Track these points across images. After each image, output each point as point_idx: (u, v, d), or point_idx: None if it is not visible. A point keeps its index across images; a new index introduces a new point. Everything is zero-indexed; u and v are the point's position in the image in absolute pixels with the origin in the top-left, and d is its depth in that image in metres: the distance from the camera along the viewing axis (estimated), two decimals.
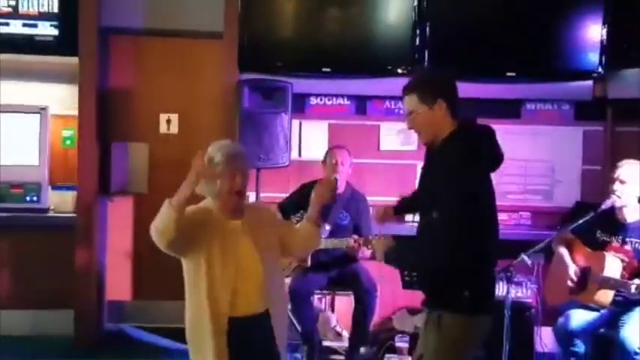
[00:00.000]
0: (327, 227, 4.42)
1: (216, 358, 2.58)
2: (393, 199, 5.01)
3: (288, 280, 4.61)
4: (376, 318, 4.54)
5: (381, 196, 4.97)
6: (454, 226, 2.39)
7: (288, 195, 4.64)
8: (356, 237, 4.25)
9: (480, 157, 2.51)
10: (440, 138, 2.54)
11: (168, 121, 5.06)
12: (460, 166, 2.44)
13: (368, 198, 4.60)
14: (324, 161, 4.55)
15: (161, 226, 2.47)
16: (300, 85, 4.68)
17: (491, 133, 2.58)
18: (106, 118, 4.93)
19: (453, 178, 2.42)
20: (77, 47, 4.67)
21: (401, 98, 2.62)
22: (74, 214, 4.76)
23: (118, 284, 5.05)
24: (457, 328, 2.52)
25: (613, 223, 3.84)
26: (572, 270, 3.88)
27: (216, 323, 2.59)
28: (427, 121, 2.53)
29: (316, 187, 2.88)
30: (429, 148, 2.63)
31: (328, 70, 4.71)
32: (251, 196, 4.93)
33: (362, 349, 4.40)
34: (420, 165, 4.80)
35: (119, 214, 5.04)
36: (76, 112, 4.77)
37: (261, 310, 2.67)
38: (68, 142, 5.05)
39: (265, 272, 2.66)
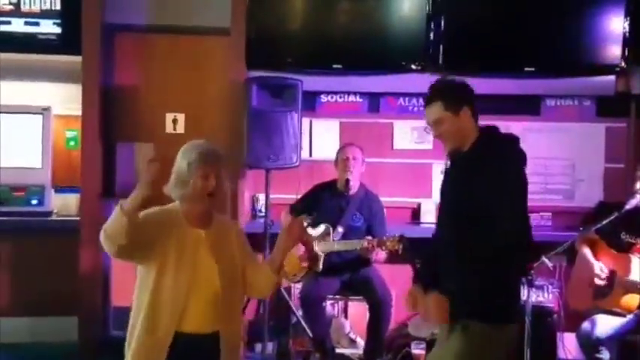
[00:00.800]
0: (340, 229, 4.43)
1: None
2: (408, 200, 5.11)
3: (299, 285, 4.63)
4: (391, 324, 4.51)
5: (395, 197, 4.97)
6: (517, 232, 2.51)
7: (300, 197, 4.64)
8: (370, 238, 4.22)
9: (518, 155, 2.63)
10: (466, 144, 2.64)
11: (175, 121, 5.07)
12: (509, 166, 2.56)
13: (382, 199, 4.58)
14: (336, 161, 4.53)
15: (111, 231, 2.38)
16: (310, 82, 4.67)
17: (515, 138, 2.70)
18: (111, 118, 4.95)
19: (508, 181, 2.52)
20: (80, 45, 4.70)
21: (424, 107, 2.72)
22: (78, 218, 4.78)
23: (124, 290, 4.99)
24: (485, 338, 2.53)
25: (638, 224, 3.83)
26: (598, 267, 3.86)
27: (159, 337, 2.48)
28: (454, 129, 2.63)
29: (283, 231, 2.74)
30: (453, 155, 2.71)
31: (339, 66, 4.72)
32: (260, 198, 4.96)
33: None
34: (436, 164, 4.91)
35: None
36: (79, 113, 4.79)
37: (210, 330, 2.54)
38: (72, 143, 5.07)
39: (222, 289, 2.55)
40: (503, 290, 2.55)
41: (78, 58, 4.71)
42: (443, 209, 2.80)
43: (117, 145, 4.97)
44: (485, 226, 2.47)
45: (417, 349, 4.39)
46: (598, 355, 3.80)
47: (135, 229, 2.37)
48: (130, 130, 5.01)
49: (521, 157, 2.64)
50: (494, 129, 2.71)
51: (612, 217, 3.71)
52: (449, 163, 2.76)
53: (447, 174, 2.78)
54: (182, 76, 5.03)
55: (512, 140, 2.69)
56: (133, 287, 5.09)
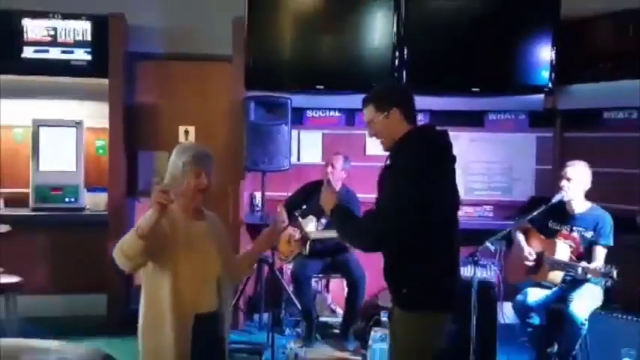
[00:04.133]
0: (324, 221, 4.44)
1: (178, 357, 2.30)
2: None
3: (290, 266, 4.68)
4: (365, 298, 4.57)
5: (368, 194, 4.99)
6: (392, 213, 2.20)
7: (292, 193, 4.66)
8: None
9: (430, 154, 2.31)
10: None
11: (186, 132, 5.07)
12: (410, 161, 2.27)
13: (358, 195, 4.57)
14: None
15: (128, 252, 2.19)
16: (298, 100, 4.70)
17: (445, 135, 2.41)
18: (133, 130, 4.94)
19: (403, 173, 2.25)
20: (107, 70, 4.69)
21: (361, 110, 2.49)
22: (106, 213, 4.76)
23: None
24: (400, 323, 2.34)
25: (562, 214, 3.86)
26: (527, 251, 3.90)
27: (180, 322, 2.31)
28: (384, 128, 2.38)
29: (264, 234, 2.63)
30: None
31: (322, 87, 4.71)
32: (257, 196, 4.98)
33: (353, 326, 4.43)
34: None
35: (144, 212, 5.03)
36: (107, 125, 4.78)
37: (215, 309, 2.42)
38: (100, 150, 5.04)
39: (222, 274, 2.44)
40: (408, 278, 2.29)
41: (105, 81, 4.70)
42: None
43: (138, 153, 4.98)
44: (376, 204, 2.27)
45: (385, 317, 4.45)
46: (529, 321, 3.86)
47: (151, 248, 2.19)
48: (149, 140, 5.02)
49: (433, 151, 2.32)
50: (421, 127, 2.45)
51: (541, 209, 3.75)
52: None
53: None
54: (192, 96, 5.04)
55: (431, 135, 2.39)
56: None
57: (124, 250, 2.21)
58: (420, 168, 2.26)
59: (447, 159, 2.38)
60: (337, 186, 4.49)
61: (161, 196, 2.13)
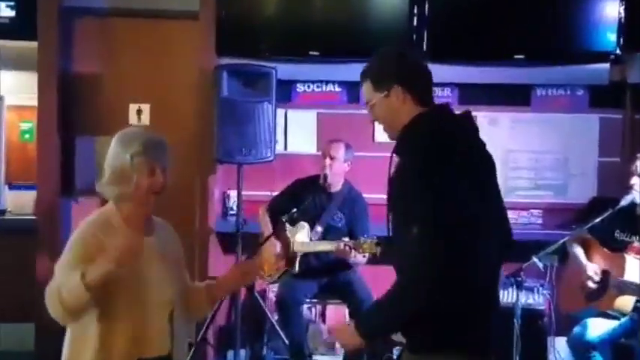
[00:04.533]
0: (319, 229, 4.45)
1: None
2: None
3: (274, 288, 4.64)
4: None
5: (376, 194, 4.97)
6: (427, 241, 2.11)
7: (277, 193, 4.65)
8: (346, 240, 4.24)
9: (448, 148, 2.23)
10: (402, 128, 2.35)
11: (139, 112, 5.05)
12: (414, 161, 2.21)
13: (364, 195, 4.59)
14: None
15: (72, 305, 2.20)
16: (285, 70, 4.67)
17: (467, 118, 2.36)
18: (69, 109, 4.93)
19: (416, 178, 2.17)
20: (36, 30, 4.67)
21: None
22: (34, 217, 4.78)
23: None
24: None
25: (633, 222, 3.87)
26: (592, 269, 3.89)
27: None
28: (384, 111, 2.34)
29: (235, 269, 2.63)
30: None
31: (316, 53, 4.72)
32: (232, 195, 4.95)
33: None
34: None
35: (84, 216, 4.96)
36: (35, 103, 4.78)
37: (167, 351, 2.39)
38: (26, 135, 5.05)
39: (175, 304, 2.43)
40: (429, 314, 2.17)
41: (33, 44, 4.69)
42: None
43: (76, 139, 4.96)
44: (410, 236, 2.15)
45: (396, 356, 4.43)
46: None
47: (96, 295, 2.21)
48: (90, 122, 4.99)
49: (443, 141, 2.23)
50: (431, 109, 2.33)
51: (606, 215, 3.76)
52: None
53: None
54: (147, 64, 5.02)
55: (440, 119, 2.31)
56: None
57: (64, 301, 2.22)
58: (428, 169, 2.17)
59: (467, 152, 2.27)
60: (338, 183, 4.45)
61: (134, 251, 2.19)
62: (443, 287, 2.13)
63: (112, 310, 2.30)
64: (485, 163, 2.35)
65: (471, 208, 2.20)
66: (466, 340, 2.23)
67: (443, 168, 2.17)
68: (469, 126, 2.36)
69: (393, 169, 2.32)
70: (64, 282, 2.22)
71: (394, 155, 2.34)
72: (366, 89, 2.39)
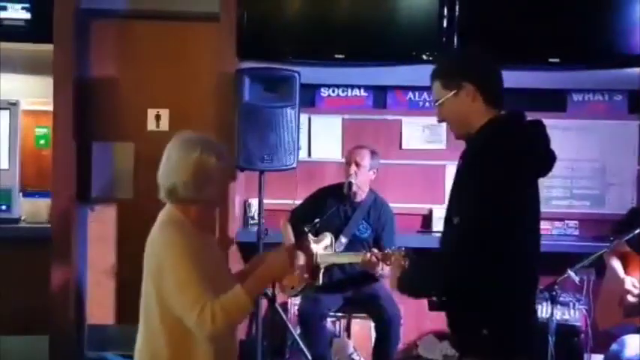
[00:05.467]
0: (344, 240, 4.47)
1: None
2: (418, 206, 5.14)
3: (297, 301, 4.65)
4: (400, 344, 4.53)
5: (404, 203, 5.00)
6: (471, 236, 2.27)
7: (302, 201, 4.68)
8: (375, 251, 4.24)
9: (519, 155, 2.33)
10: (473, 128, 2.42)
11: (158, 117, 5.08)
12: (492, 163, 2.28)
13: (391, 205, 4.61)
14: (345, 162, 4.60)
15: (239, 319, 2.43)
16: (308, 74, 4.68)
17: (540, 127, 2.43)
18: (86, 114, 4.95)
19: (479, 178, 2.28)
20: (52, 33, 4.70)
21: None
22: (49, 225, 4.78)
23: (100, 306, 5.07)
24: None
25: None
26: (630, 282, 3.86)
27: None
28: (454, 111, 2.42)
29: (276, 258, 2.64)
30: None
31: (342, 56, 4.72)
32: (253, 204, 4.98)
33: None
34: (450, 166, 4.94)
35: (101, 225, 5.07)
36: (50, 108, 4.80)
37: None
38: (42, 141, 5.08)
39: None
40: (490, 316, 2.33)
41: (49, 47, 4.71)
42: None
43: (93, 145, 4.98)
44: (452, 225, 2.33)
45: None
46: None
47: None
48: (107, 127, 5.02)
49: (534, 155, 2.37)
50: (511, 113, 2.44)
51: None
52: None
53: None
54: (166, 68, 5.03)
55: (534, 126, 2.42)
56: (109, 303, 5.12)
57: (233, 317, 2.37)
58: (507, 180, 2.29)
59: (540, 164, 2.43)
60: (364, 192, 4.46)
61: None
62: (505, 291, 2.32)
63: None
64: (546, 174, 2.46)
65: (525, 219, 2.36)
66: (531, 346, 2.42)
67: (516, 181, 2.31)
68: (542, 136, 2.43)
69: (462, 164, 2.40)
70: (225, 305, 2.32)
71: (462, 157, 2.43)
72: (435, 88, 2.47)
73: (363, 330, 4.84)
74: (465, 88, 2.39)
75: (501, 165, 2.28)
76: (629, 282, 3.87)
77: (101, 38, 5.04)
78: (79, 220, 4.96)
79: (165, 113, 5.08)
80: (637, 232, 3.76)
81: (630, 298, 3.85)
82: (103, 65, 5.05)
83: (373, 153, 4.54)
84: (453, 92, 2.40)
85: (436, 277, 2.37)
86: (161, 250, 2.42)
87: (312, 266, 4.42)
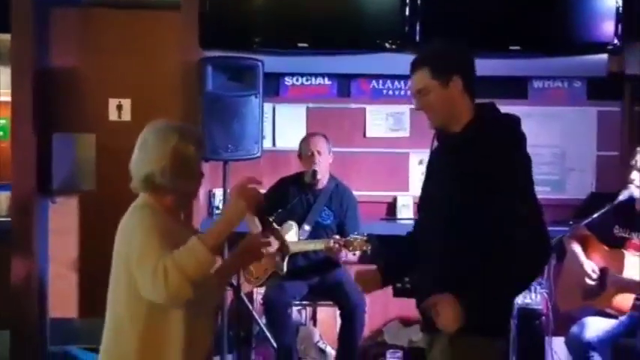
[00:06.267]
0: (307, 228, 4.47)
1: None
2: (382, 194, 5.17)
3: (262, 290, 4.67)
4: (365, 331, 4.57)
5: (368, 191, 5.03)
6: (539, 219, 2.44)
7: (264, 192, 4.65)
8: (337, 237, 4.27)
9: (522, 138, 2.56)
10: (456, 121, 2.50)
11: (119, 107, 5.05)
12: (516, 149, 2.50)
13: (354, 193, 4.62)
14: (299, 153, 4.58)
15: (201, 274, 2.23)
16: (272, 62, 4.65)
17: (516, 118, 2.62)
18: (46, 105, 4.91)
19: (520, 167, 2.47)
20: (9, 21, 4.65)
21: (409, 75, 2.56)
22: (8, 218, 4.76)
23: (63, 299, 5.03)
24: (475, 354, 2.42)
25: (632, 217, 3.90)
26: (589, 266, 3.92)
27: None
28: (441, 101, 2.47)
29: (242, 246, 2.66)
30: (441, 134, 2.57)
31: (305, 45, 4.73)
32: (217, 194, 4.97)
33: None
34: (414, 154, 4.98)
35: (63, 217, 5.03)
36: (8, 98, 4.76)
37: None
38: (0, 133, 5.01)
39: None
40: (506, 296, 2.48)
41: (6, 36, 4.67)
42: (428, 198, 2.63)
43: (53, 136, 4.93)
44: (495, 218, 2.38)
45: (393, 358, 4.47)
46: None
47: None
48: (67, 118, 4.98)
49: (523, 141, 2.57)
50: (492, 107, 2.58)
51: (604, 210, 3.81)
52: (436, 143, 2.61)
53: (435, 155, 2.64)
54: (127, 57, 5.00)
55: (514, 121, 2.60)
56: (72, 296, 5.07)
57: (191, 275, 2.20)
58: (526, 160, 2.51)
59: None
60: (325, 178, 4.49)
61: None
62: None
63: (195, 306, 2.36)
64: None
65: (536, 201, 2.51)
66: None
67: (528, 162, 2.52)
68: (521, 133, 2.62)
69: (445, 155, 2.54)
70: (178, 258, 2.20)
71: (440, 143, 2.56)
72: (420, 76, 2.49)
73: (328, 318, 4.88)
74: (454, 81, 2.46)
75: (528, 157, 2.50)
76: (588, 266, 3.93)
77: (61, 27, 4.99)
78: (40, 213, 4.91)
79: (127, 103, 5.05)
80: (596, 216, 3.84)
81: (588, 282, 3.92)
82: (63, 54, 5.01)
83: (325, 137, 4.55)
84: (441, 82, 2.46)
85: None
86: (129, 233, 2.36)
87: (281, 254, 4.42)
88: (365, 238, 4.16)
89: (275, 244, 4.34)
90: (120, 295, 2.38)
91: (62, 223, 5.03)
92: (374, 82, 5.13)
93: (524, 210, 2.39)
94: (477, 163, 2.41)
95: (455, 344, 2.39)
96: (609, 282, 3.84)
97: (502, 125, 2.53)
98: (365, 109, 5.12)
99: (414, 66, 2.52)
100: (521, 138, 2.54)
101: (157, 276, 2.18)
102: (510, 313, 2.51)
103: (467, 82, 2.48)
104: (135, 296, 2.31)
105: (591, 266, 3.93)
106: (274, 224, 4.35)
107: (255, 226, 4.07)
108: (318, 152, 4.47)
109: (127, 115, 5.04)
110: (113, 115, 5.02)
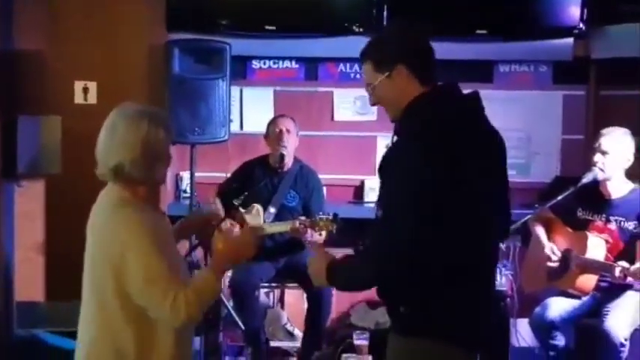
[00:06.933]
0: (273, 210, 4.47)
1: None
2: (350, 177, 5.19)
3: (229, 273, 4.66)
4: (332, 313, 4.60)
5: (336, 174, 5.05)
6: (397, 222, 2.18)
7: (229, 176, 4.65)
8: (302, 218, 4.27)
9: (449, 131, 2.24)
10: None
11: (85, 90, 4.99)
12: (417, 144, 2.22)
13: (321, 176, 4.65)
14: (267, 135, 4.57)
15: (210, 303, 2.37)
16: (240, 45, 4.66)
17: (471, 99, 2.39)
18: (10, 88, 4.83)
19: (404, 163, 2.21)
20: None
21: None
22: None
23: (29, 283, 4.98)
24: (397, 353, 2.34)
25: (595, 200, 3.94)
26: (549, 248, 3.97)
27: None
28: (390, 93, 2.33)
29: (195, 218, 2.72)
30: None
31: (273, 28, 4.73)
32: (185, 177, 4.96)
33: (316, 353, 4.46)
34: (381, 137, 5.01)
35: (28, 200, 4.97)
36: None
37: None
38: None
39: None
40: (408, 294, 2.27)
41: None
42: None
43: (18, 118, 4.85)
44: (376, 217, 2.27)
45: (360, 340, 4.48)
46: (552, 342, 3.94)
47: None
48: (33, 101, 4.90)
49: (447, 126, 2.25)
50: (436, 89, 2.33)
51: (568, 193, 3.82)
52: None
53: None
54: (93, 39, 4.92)
55: (446, 101, 2.33)
56: (39, 280, 5.05)
57: (206, 303, 2.32)
58: (430, 153, 2.19)
59: (468, 137, 2.30)
60: (290, 160, 4.48)
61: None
62: (431, 273, 2.21)
63: None
64: (488, 147, 2.37)
65: (467, 195, 2.22)
66: (454, 330, 2.26)
67: (437, 157, 2.18)
68: (474, 108, 2.37)
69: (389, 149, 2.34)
70: (197, 289, 2.27)
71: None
72: (366, 70, 2.38)
73: (296, 300, 4.91)
74: (397, 70, 2.30)
75: (422, 138, 2.22)
76: (549, 248, 3.97)
77: (26, 9, 4.90)
78: (5, 196, 4.84)
79: (93, 86, 4.98)
80: (560, 198, 3.86)
81: (550, 264, 3.97)
82: (27, 37, 4.91)
83: (293, 119, 4.55)
84: (385, 75, 2.31)
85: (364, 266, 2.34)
86: (112, 233, 2.29)
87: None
88: (331, 217, 4.17)
89: (237, 228, 4.39)
90: (107, 295, 2.31)
91: (28, 206, 4.97)
92: (341, 66, 5.13)
93: (379, 212, 2.25)
94: (389, 159, 2.31)
95: (402, 341, 2.32)
96: (573, 263, 3.88)
97: (420, 108, 2.29)
98: (332, 92, 5.13)
99: (360, 61, 2.41)
100: (433, 122, 2.25)
101: (178, 306, 2.23)
102: (441, 316, 2.25)
103: (412, 67, 2.29)
104: (127, 298, 2.29)
105: (551, 248, 3.98)
106: (240, 209, 4.38)
107: (220, 210, 4.08)
108: (287, 130, 4.47)
109: (92, 98, 4.96)
110: (79, 98, 4.95)
